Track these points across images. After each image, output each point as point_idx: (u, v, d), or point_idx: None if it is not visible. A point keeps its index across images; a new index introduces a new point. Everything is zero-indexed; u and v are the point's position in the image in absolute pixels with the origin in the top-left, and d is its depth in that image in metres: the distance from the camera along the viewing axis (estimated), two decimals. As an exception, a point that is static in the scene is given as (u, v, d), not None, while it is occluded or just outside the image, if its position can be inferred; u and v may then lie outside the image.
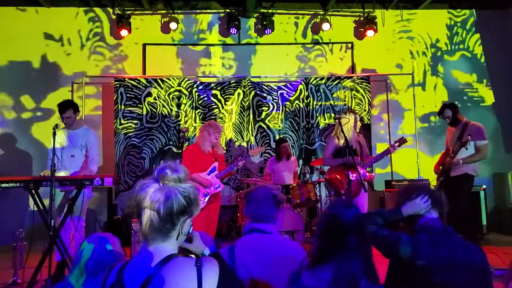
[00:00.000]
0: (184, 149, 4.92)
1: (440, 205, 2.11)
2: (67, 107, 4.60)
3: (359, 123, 4.85)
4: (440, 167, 4.97)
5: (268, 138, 7.10)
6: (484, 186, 6.49)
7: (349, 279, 1.73)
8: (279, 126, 7.15)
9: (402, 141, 4.74)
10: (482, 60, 7.75)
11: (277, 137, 6.92)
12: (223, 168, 4.80)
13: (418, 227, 2.05)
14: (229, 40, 7.58)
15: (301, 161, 7.07)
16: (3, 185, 3.95)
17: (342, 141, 4.63)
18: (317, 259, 1.84)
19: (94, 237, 1.79)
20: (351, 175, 4.64)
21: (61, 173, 4.52)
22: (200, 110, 7.11)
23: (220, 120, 7.03)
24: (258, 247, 2.18)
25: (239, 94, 7.15)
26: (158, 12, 7.43)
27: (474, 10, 7.81)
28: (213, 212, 4.72)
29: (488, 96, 7.69)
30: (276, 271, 2.06)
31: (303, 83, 7.25)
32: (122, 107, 6.98)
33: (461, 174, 4.78)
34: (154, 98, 7.06)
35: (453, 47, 7.76)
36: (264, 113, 7.16)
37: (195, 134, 7.00)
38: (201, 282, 1.30)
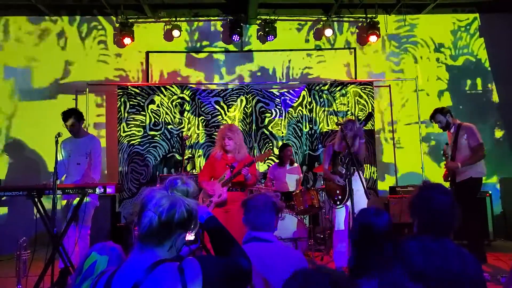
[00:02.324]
0: None
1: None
2: (70, 115, 4.63)
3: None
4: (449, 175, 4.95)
5: (271, 144, 7.10)
6: (490, 192, 6.42)
7: (396, 286, 1.72)
8: (282, 133, 7.15)
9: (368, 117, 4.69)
10: (487, 64, 7.71)
11: (280, 144, 6.90)
12: (230, 176, 4.35)
13: (410, 236, 2.02)
14: (231, 47, 7.60)
15: (304, 168, 7.05)
16: (7, 193, 3.98)
17: (340, 146, 4.64)
18: (358, 271, 1.82)
19: (104, 248, 1.78)
20: (342, 182, 4.63)
21: (67, 181, 4.55)
22: (203, 117, 7.12)
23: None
24: (259, 256, 2.15)
25: (241, 100, 7.16)
26: (161, 20, 7.47)
27: (478, 14, 7.78)
28: (230, 223, 4.08)
29: (493, 100, 7.64)
30: (277, 280, 2.04)
31: (306, 89, 7.25)
32: (125, 114, 7.01)
33: (466, 179, 4.74)
34: (157, 106, 7.09)
35: (457, 51, 7.72)
36: (267, 120, 7.16)
37: (198, 141, 7.03)
38: (186, 286, 1.32)
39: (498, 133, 7.54)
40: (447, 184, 4.94)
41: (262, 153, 6.40)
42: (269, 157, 7.07)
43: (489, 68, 7.69)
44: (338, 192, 4.65)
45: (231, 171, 4.32)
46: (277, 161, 6.48)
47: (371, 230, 1.85)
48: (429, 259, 1.87)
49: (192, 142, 7.03)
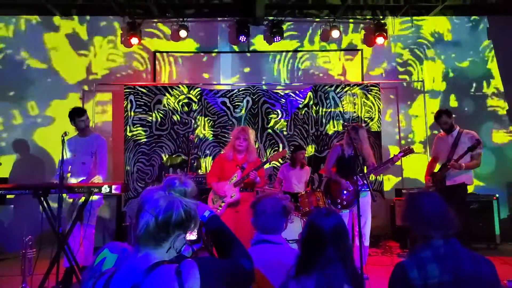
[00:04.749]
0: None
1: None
2: (84, 112, 4.70)
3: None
4: (432, 177, 5.00)
5: (276, 145, 7.09)
6: (497, 195, 6.37)
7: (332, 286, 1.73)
8: (288, 134, 7.13)
9: (407, 151, 4.70)
10: (493, 66, 7.64)
11: (286, 144, 6.90)
12: (242, 176, 4.39)
13: (419, 247, 1.97)
14: (238, 48, 7.60)
15: (310, 169, 7.02)
16: (13, 191, 4.00)
17: (347, 150, 4.63)
18: (301, 268, 1.84)
19: (117, 248, 1.79)
20: (349, 186, 4.61)
21: (72, 180, 4.57)
22: (209, 118, 7.12)
23: (230, 127, 7.04)
24: (268, 258, 2.17)
25: (248, 101, 7.16)
26: (168, 20, 7.49)
27: (486, 16, 7.71)
28: (241, 223, 4.25)
29: (500, 103, 7.58)
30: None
31: (312, 90, 7.23)
32: (132, 114, 7.03)
33: (459, 184, 4.84)
34: (164, 106, 7.10)
35: (464, 53, 7.66)
36: (273, 121, 7.15)
37: (204, 141, 7.04)
38: None
39: (506, 137, 7.47)
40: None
41: (278, 151, 6.36)
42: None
43: (497, 70, 7.61)
44: (344, 197, 4.64)
45: (241, 172, 4.38)
46: (287, 162, 6.48)
47: (315, 230, 1.85)
48: (443, 264, 1.84)
49: (198, 142, 7.03)
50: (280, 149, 6.98)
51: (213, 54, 7.60)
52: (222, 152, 4.82)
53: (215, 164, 4.70)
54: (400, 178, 7.36)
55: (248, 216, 4.17)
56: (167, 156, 7.02)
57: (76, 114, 4.67)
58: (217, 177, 4.49)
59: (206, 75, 7.55)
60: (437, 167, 5.20)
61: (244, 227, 4.17)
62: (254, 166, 4.45)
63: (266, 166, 6.97)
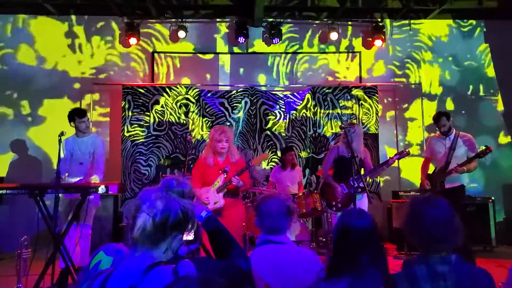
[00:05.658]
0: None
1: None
2: (85, 113, 4.69)
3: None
4: (430, 180, 5.01)
5: (275, 146, 7.09)
6: (493, 198, 6.39)
7: None
8: (286, 135, 7.13)
9: (403, 153, 4.71)
10: (490, 70, 7.67)
11: (284, 146, 6.90)
12: (225, 181, 4.15)
13: (414, 260, 1.86)
14: (237, 49, 7.60)
15: (307, 171, 7.04)
16: (9, 191, 3.98)
17: (345, 150, 4.63)
18: (332, 271, 1.78)
19: (112, 249, 1.78)
20: (343, 188, 4.62)
21: (69, 180, 4.55)
22: (207, 118, 7.12)
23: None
24: (275, 258, 2.18)
25: (246, 102, 7.16)
26: (167, 20, 7.49)
27: (483, 20, 7.74)
28: (228, 228, 4.08)
29: (497, 106, 7.61)
30: (294, 281, 2.08)
31: (310, 92, 7.24)
32: (130, 114, 7.02)
33: (458, 186, 4.85)
34: (162, 106, 7.09)
35: (460, 57, 7.69)
36: (271, 122, 7.15)
37: (201, 142, 7.02)
38: None
39: (502, 139, 7.51)
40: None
41: (258, 155, 6.24)
42: (271, 160, 7.06)
43: (493, 74, 7.65)
44: (339, 200, 4.66)
45: (224, 176, 4.17)
46: (279, 164, 6.48)
47: (349, 232, 1.79)
48: (438, 285, 1.75)
49: (195, 143, 7.03)
50: (278, 151, 6.98)
51: (212, 55, 7.59)
52: (200, 157, 4.40)
53: (195, 170, 4.35)
54: (397, 180, 7.36)
55: (234, 222, 4.17)
56: (164, 157, 7.02)
57: (77, 115, 4.64)
58: (201, 183, 4.21)
59: (204, 76, 7.54)
60: (431, 169, 5.20)
61: (231, 232, 4.10)
62: (237, 167, 4.21)
63: (264, 166, 7.01)
